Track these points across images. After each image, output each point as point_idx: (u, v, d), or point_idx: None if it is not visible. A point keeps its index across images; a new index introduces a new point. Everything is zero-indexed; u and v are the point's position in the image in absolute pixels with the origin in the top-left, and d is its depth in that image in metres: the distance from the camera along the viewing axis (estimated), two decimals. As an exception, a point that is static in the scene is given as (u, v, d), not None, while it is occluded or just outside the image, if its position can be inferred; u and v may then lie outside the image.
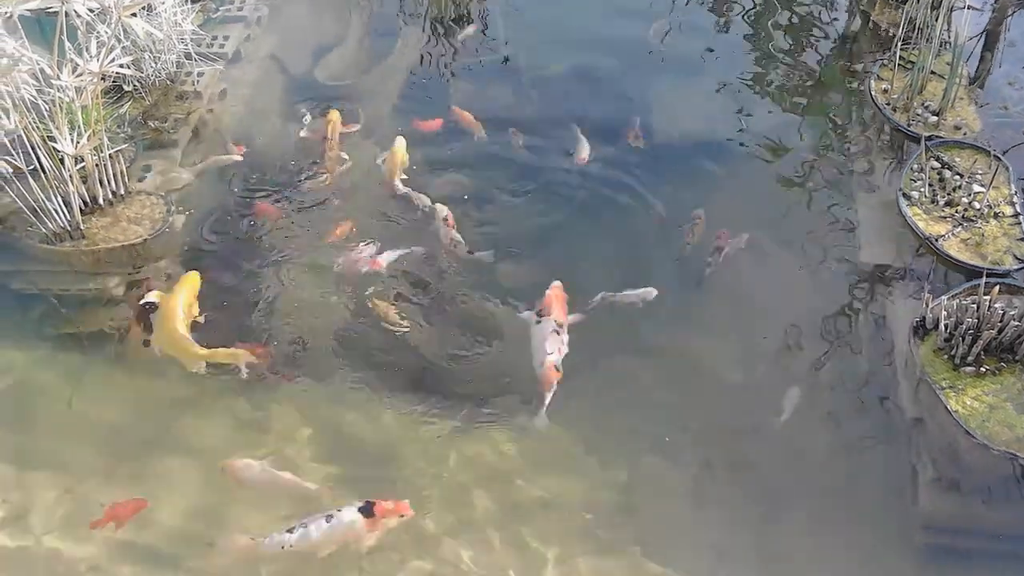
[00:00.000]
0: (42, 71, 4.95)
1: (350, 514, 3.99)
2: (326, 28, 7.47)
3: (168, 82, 6.51)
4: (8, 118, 4.81)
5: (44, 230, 5.25)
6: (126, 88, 6.33)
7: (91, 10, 4.57)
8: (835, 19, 7.38)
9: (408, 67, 7.04)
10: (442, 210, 5.54)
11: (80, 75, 4.75)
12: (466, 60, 7.10)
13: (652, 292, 4.94)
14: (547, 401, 4.49)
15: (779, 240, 5.36)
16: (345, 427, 4.62)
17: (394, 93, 6.77)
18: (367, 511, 4.01)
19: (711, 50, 7.03)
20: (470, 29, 7.39)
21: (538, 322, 4.84)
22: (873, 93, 6.02)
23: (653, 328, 4.93)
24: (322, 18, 7.64)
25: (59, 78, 4.69)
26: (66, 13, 4.68)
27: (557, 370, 4.58)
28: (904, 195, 5.23)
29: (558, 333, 4.72)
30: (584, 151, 5.90)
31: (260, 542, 3.97)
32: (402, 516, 4.04)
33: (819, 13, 7.44)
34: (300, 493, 4.22)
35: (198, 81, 6.60)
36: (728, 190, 5.69)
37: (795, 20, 7.37)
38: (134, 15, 4.54)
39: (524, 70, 6.90)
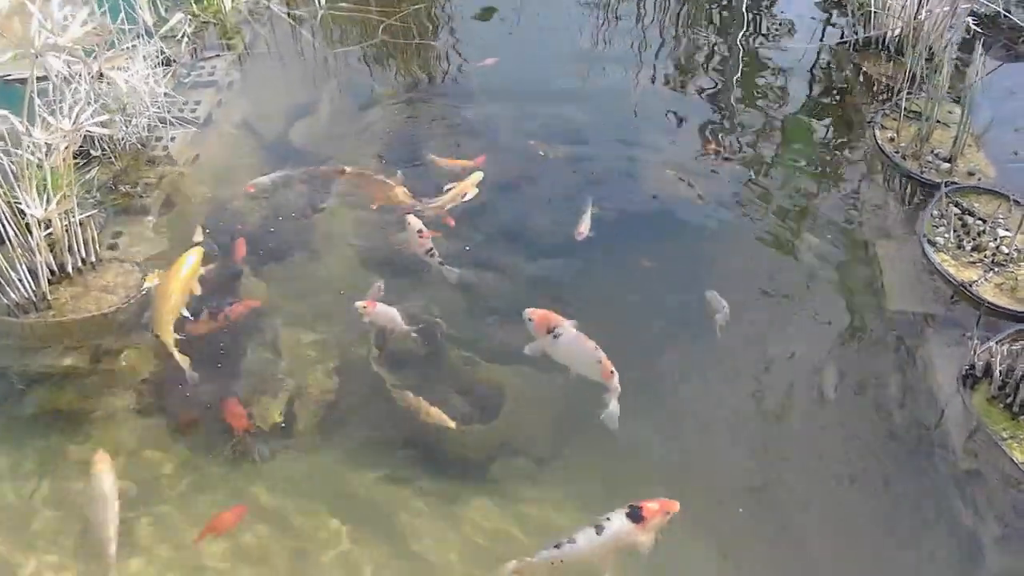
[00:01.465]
0: (8, 132, 4.57)
1: (619, 521, 3.79)
2: (298, 93, 7.19)
3: (139, 146, 6.13)
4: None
5: (6, 301, 4.77)
6: (94, 153, 5.93)
7: (68, 63, 4.17)
8: (828, 71, 7.31)
9: (385, 131, 6.73)
10: (415, 222, 5.41)
11: (52, 132, 4.34)
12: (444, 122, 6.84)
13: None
14: (618, 390, 4.27)
15: (801, 292, 5.08)
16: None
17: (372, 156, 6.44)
18: (635, 516, 3.81)
19: (711, 106, 6.88)
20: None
21: (557, 337, 4.51)
22: (880, 142, 5.88)
23: (676, 382, 4.59)
24: (294, 83, 7.37)
25: (30, 134, 4.28)
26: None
27: None
28: (929, 241, 5.02)
29: None
30: (584, 224, 5.48)
31: (528, 563, 3.73)
32: (668, 513, 3.86)
33: (810, 67, 7.38)
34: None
35: (169, 145, 6.24)
36: (741, 248, 5.42)
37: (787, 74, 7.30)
38: (117, 68, 4.14)
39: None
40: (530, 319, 4.63)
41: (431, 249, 5.30)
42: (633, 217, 5.71)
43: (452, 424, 4.33)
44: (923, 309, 4.84)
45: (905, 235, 5.32)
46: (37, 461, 4.36)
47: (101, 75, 4.21)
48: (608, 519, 3.80)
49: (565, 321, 4.57)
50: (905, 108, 6.05)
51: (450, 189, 5.78)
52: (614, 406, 4.27)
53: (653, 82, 7.25)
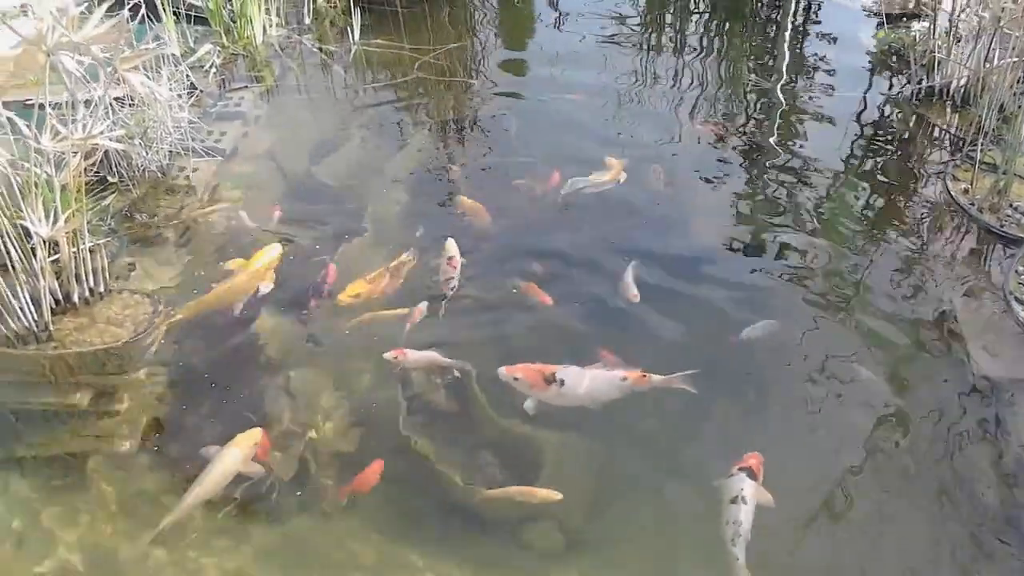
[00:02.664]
0: (18, 145, 4.22)
1: (748, 484, 3.74)
2: (326, 129, 6.86)
3: (159, 175, 5.78)
4: (-28, 193, 4.01)
5: (5, 331, 4.36)
6: (111, 179, 5.59)
7: (81, 63, 3.82)
8: (891, 124, 6.93)
9: (414, 168, 6.35)
10: (452, 248, 5.13)
11: (62, 141, 3.97)
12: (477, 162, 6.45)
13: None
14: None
15: (876, 358, 4.57)
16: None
17: (400, 195, 6.04)
18: (751, 474, 3.79)
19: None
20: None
21: (563, 383, 4.11)
22: (953, 194, 5.46)
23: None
24: (323, 119, 7.05)
25: (38, 142, 3.90)
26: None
27: None
28: (1017, 299, 4.56)
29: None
30: (632, 288, 4.93)
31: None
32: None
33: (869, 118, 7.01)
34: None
35: (191, 176, 5.89)
36: (809, 309, 4.95)
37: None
38: (135, 69, 3.78)
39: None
40: (514, 378, 4.18)
41: (452, 279, 4.94)
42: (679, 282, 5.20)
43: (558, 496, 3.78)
44: (1013, 374, 4.34)
45: (987, 292, 4.84)
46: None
47: (117, 76, 3.76)
48: (743, 490, 3.71)
49: (557, 366, 4.15)
50: (979, 160, 5.63)
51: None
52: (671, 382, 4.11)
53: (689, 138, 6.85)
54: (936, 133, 6.50)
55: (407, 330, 4.62)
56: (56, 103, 4.27)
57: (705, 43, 8.69)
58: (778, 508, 3.77)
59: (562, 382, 4.11)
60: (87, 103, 4.45)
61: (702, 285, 5.08)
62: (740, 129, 6.85)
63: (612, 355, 4.39)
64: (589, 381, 4.12)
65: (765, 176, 6.17)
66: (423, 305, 4.78)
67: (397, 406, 4.28)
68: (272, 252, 5.14)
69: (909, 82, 7.09)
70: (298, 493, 3.93)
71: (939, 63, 6.73)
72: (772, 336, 4.61)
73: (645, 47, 8.50)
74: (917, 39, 7.35)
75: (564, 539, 3.77)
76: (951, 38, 6.67)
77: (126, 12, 4.68)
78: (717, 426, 4.23)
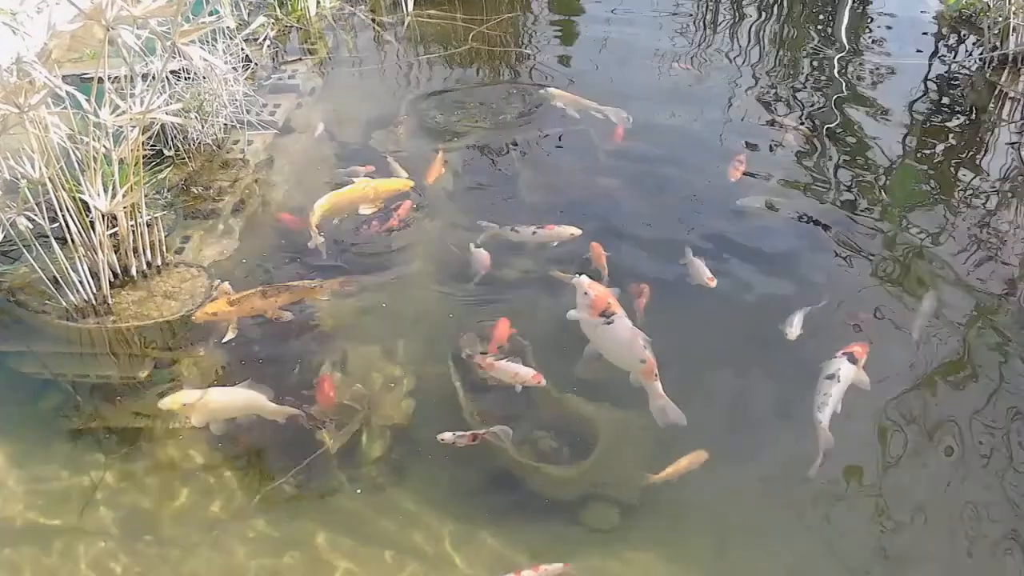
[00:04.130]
0: (76, 116, 4.23)
1: (846, 367, 4.01)
2: (380, 101, 6.80)
3: (214, 148, 5.80)
4: (33, 166, 4.03)
5: (65, 303, 4.41)
6: (167, 152, 5.62)
7: (138, 37, 3.81)
8: (962, 93, 6.67)
9: (470, 143, 6.28)
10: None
11: (121, 115, 3.97)
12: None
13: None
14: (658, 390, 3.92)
15: (950, 341, 4.40)
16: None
17: (456, 166, 5.97)
18: (851, 359, 4.06)
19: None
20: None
21: (609, 322, 4.06)
22: (1026, 165, 5.26)
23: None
24: (376, 91, 7.00)
25: (97, 115, 3.91)
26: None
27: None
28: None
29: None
30: (706, 271, 4.71)
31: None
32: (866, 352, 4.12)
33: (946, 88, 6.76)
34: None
35: (246, 149, 5.89)
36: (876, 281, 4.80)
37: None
38: (193, 43, 3.76)
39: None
40: (586, 293, 4.14)
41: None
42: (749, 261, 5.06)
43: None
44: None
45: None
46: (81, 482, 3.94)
47: (176, 49, 3.74)
48: (839, 369, 3.98)
49: (620, 309, 4.11)
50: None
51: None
52: (657, 404, 3.91)
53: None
54: (1010, 102, 6.23)
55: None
56: (114, 77, 4.28)
57: (764, 9, 8.45)
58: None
59: (610, 322, 4.06)
60: (145, 77, 4.45)
61: (759, 259, 4.98)
62: (798, 102, 6.64)
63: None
64: (622, 336, 4.05)
65: (826, 149, 5.98)
66: None
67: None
68: (400, 184, 5.34)
69: (982, 49, 6.81)
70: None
71: (1013, 29, 6.45)
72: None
73: (701, 17, 8.28)
74: (991, 5, 7.05)
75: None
76: (1027, 3, 6.40)
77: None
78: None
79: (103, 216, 4.34)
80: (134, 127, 4.21)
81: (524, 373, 4.07)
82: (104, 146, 4.23)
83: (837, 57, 7.25)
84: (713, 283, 4.63)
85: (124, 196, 4.31)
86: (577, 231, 4.97)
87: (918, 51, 7.34)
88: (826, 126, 6.18)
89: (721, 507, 3.74)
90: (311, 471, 3.89)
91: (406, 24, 7.90)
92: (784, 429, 4.01)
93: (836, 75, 6.95)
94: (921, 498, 3.67)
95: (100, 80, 4.05)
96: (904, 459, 3.82)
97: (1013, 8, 6.46)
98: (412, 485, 3.86)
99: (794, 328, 4.35)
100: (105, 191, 4.29)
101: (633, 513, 3.72)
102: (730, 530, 3.66)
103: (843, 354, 4.07)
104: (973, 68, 6.84)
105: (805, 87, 6.89)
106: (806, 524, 3.65)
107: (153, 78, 4.22)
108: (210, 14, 4.96)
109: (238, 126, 5.88)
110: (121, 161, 4.37)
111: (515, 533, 3.67)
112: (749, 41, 7.76)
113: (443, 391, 4.18)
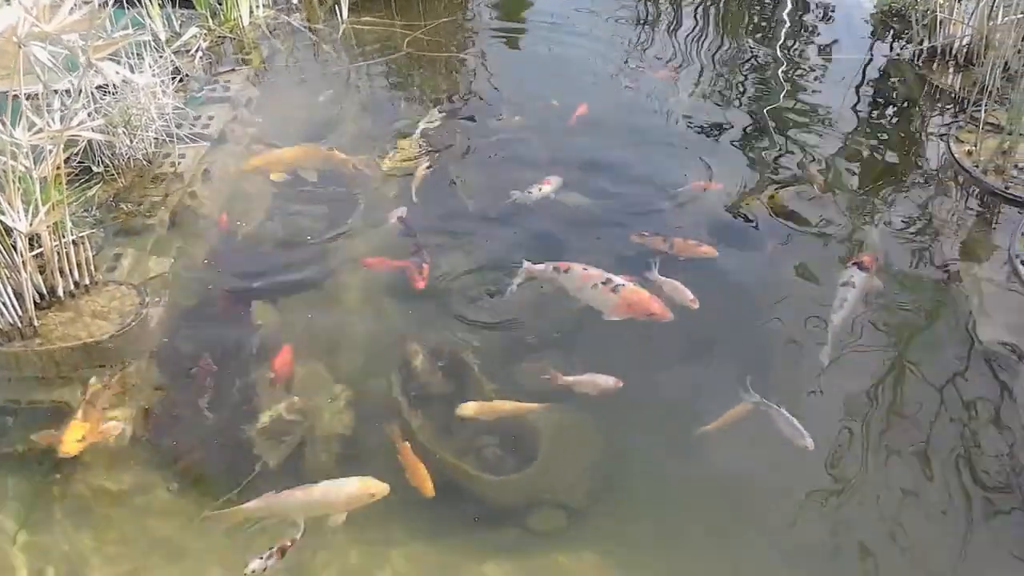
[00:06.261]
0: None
1: (859, 275, 4.46)
2: (318, 110, 6.72)
3: (145, 163, 5.67)
4: (-54, 188, 3.91)
5: (-11, 328, 4.28)
6: (95, 169, 5.48)
7: (53, 55, 3.70)
8: (892, 87, 6.75)
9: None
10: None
11: (38, 134, 3.86)
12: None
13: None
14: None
15: (877, 324, 4.46)
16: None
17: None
18: (862, 266, 4.49)
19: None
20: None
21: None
22: (957, 156, 5.32)
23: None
24: (314, 100, 6.91)
25: (11, 136, 3.80)
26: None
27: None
28: (1022, 262, 4.44)
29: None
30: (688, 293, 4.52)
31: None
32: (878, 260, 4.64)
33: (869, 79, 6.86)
34: None
35: (179, 163, 5.78)
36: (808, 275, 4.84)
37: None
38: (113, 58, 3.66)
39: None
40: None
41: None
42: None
43: None
44: (1018, 339, 4.21)
45: (994, 256, 4.72)
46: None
47: (91, 65, 3.65)
48: (852, 277, 4.43)
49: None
50: (984, 120, 5.48)
51: None
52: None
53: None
54: (938, 94, 6.33)
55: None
56: (32, 95, 4.16)
57: (702, 10, 8.51)
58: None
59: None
60: (67, 93, 4.34)
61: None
62: (740, 95, 6.69)
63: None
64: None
65: (765, 142, 6.03)
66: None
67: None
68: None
69: (910, 43, 6.92)
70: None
71: (941, 22, 6.56)
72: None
73: (642, 17, 8.31)
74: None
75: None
76: (953, -4, 6.51)
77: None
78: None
79: (25, 236, 4.21)
80: (55, 145, 4.09)
81: (605, 382, 4.04)
82: (24, 165, 4.11)
83: (778, 46, 7.31)
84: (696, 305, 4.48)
85: (47, 215, 4.19)
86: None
87: (855, 44, 7.44)
88: (765, 120, 6.23)
89: (671, 507, 3.74)
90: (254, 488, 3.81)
91: (341, 31, 7.81)
92: (739, 429, 4.00)
93: (774, 68, 7.02)
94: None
95: (16, 97, 3.94)
96: (854, 455, 3.84)
97: (939, 1, 6.56)
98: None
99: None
100: (27, 210, 4.16)
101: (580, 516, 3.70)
102: (679, 529, 3.65)
103: (854, 264, 4.51)
104: (903, 61, 6.93)
105: (744, 82, 6.94)
106: (757, 523, 3.65)
107: (74, 95, 4.11)
108: (130, 27, 4.85)
109: (168, 140, 5.75)
110: (43, 180, 4.25)
111: (460, 544, 3.63)
112: (688, 38, 7.80)
113: (385, 402, 4.14)
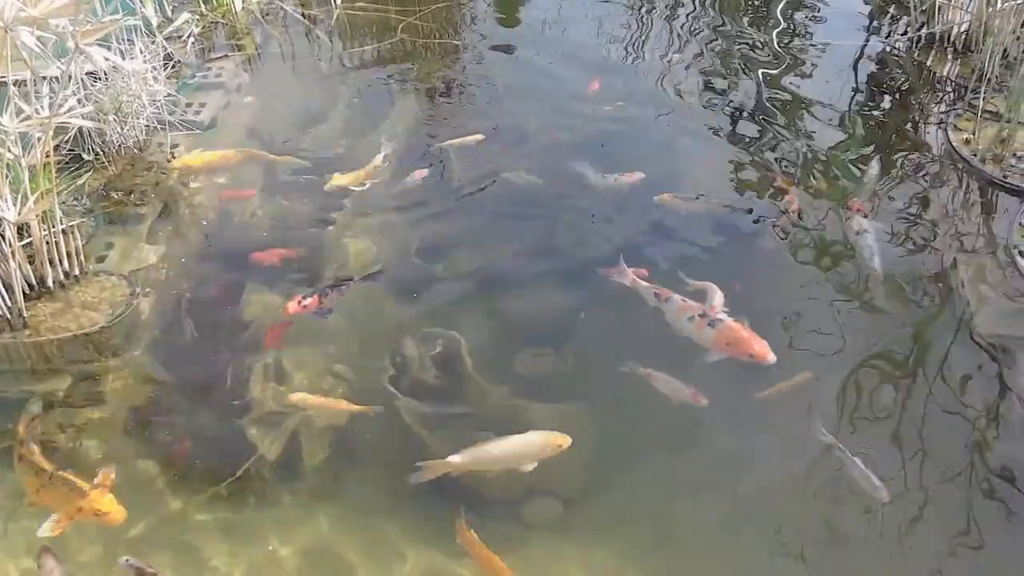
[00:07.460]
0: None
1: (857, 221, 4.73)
2: (311, 96, 6.65)
3: (136, 151, 5.61)
4: (-67, 177, 3.86)
5: (-24, 318, 4.24)
6: (86, 157, 5.43)
7: (41, 40, 3.64)
8: (889, 73, 6.70)
9: (402, 135, 6.13)
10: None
11: (26, 121, 3.80)
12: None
13: None
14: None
15: (874, 316, 4.42)
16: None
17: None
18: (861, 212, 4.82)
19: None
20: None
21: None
22: (955, 144, 5.28)
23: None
24: (307, 86, 6.84)
25: (-1, 123, 3.75)
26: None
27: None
28: (1020, 253, 4.40)
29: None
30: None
31: None
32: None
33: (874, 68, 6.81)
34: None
35: (170, 150, 5.71)
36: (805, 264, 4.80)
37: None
38: (101, 43, 3.60)
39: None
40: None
41: None
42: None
43: None
44: (1015, 330, 4.18)
45: (991, 247, 4.68)
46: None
47: (80, 51, 3.59)
48: (861, 224, 4.69)
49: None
50: (982, 108, 5.43)
51: None
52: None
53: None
54: (937, 81, 6.28)
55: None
56: (20, 81, 4.10)
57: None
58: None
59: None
60: (57, 79, 4.28)
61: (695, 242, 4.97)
62: (734, 83, 6.63)
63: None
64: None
65: (760, 129, 5.98)
66: None
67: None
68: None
69: (908, 29, 6.86)
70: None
71: (939, 8, 6.50)
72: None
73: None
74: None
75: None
76: (952, -19, 6.45)
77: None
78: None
79: (13, 225, 4.16)
80: (43, 132, 4.04)
81: (682, 390, 3.95)
82: (12, 153, 4.05)
83: (775, 33, 7.24)
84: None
85: (36, 204, 4.14)
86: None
87: (852, 31, 7.37)
88: (761, 107, 6.18)
89: (665, 501, 3.71)
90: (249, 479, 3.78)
91: (335, 17, 7.73)
92: (729, 426, 3.97)
93: (771, 54, 6.95)
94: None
95: (3, 83, 3.88)
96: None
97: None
98: (352, 490, 3.81)
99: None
100: (15, 199, 4.11)
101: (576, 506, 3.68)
102: (673, 524, 3.63)
103: (855, 212, 4.80)
104: (901, 48, 6.87)
105: (739, 68, 6.88)
106: (749, 521, 3.62)
107: (63, 81, 4.05)
108: (119, 12, 4.79)
109: (160, 127, 5.69)
110: (32, 168, 4.20)
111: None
112: (684, 23, 7.73)
113: (380, 394, 4.11)
